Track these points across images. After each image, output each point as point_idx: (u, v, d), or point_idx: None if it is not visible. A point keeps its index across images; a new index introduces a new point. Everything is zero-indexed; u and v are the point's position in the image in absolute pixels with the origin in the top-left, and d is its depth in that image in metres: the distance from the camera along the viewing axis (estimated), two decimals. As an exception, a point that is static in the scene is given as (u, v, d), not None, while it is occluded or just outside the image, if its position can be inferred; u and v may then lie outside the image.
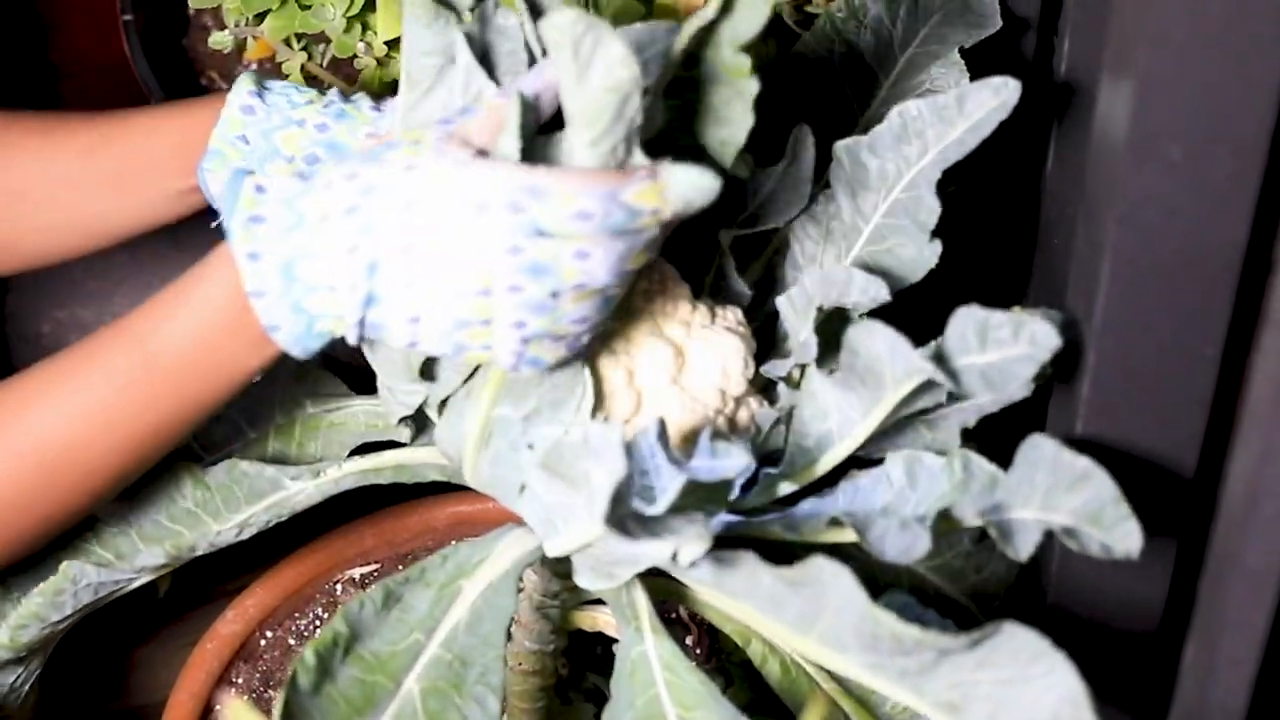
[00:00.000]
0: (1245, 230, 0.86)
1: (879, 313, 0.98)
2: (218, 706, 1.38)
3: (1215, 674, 0.92)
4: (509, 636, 1.02)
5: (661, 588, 1.04)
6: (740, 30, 0.94)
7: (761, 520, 0.98)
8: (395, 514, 1.45)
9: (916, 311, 1.01)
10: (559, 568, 1.10)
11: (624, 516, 0.86)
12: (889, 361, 0.93)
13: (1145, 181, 0.86)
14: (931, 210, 1.03)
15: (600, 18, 0.85)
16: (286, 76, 1.49)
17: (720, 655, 1.41)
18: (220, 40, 1.51)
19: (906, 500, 0.98)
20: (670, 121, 0.99)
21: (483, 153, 0.90)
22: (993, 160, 1.04)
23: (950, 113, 1.00)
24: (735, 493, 0.97)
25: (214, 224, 1.11)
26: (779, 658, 1.08)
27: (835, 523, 0.92)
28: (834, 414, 0.99)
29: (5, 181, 1.12)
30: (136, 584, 1.14)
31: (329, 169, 0.93)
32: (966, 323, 0.92)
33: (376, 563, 1.45)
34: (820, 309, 1.01)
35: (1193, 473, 0.97)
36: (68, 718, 1.46)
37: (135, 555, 1.11)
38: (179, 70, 1.53)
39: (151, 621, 1.51)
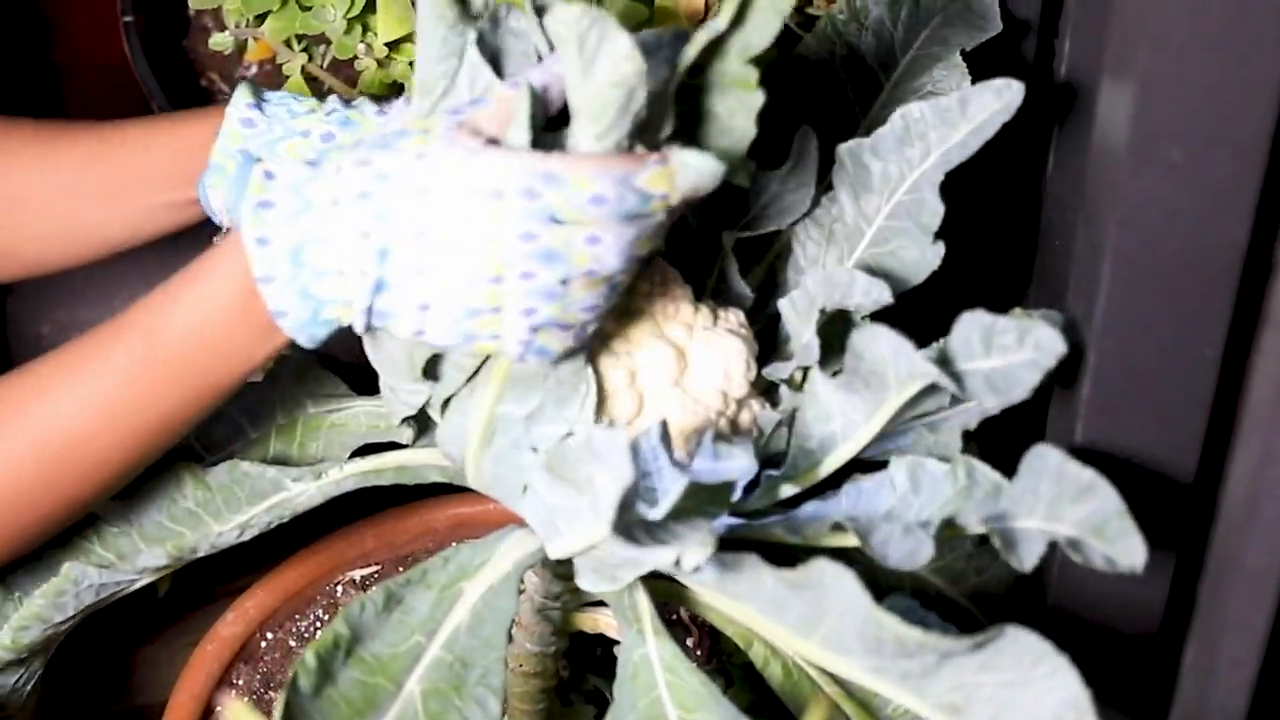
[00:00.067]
0: (1246, 232, 0.86)
1: (881, 315, 0.98)
2: (218, 708, 1.38)
3: (1215, 676, 0.92)
4: (510, 638, 1.02)
5: (663, 590, 1.04)
6: (751, 42, 0.94)
7: (763, 523, 0.98)
8: (396, 515, 1.45)
9: (917, 313, 1.01)
10: (560, 569, 1.10)
11: (630, 523, 0.86)
12: (893, 364, 0.93)
13: (1146, 183, 0.86)
14: (934, 212, 1.03)
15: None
16: (287, 78, 1.49)
17: (721, 657, 1.41)
18: (221, 41, 1.51)
19: (910, 506, 0.98)
20: (675, 128, 0.99)
21: (493, 141, 0.90)
22: (993, 162, 1.04)
23: (953, 115, 1.00)
24: (737, 495, 0.97)
25: (215, 238, 1.10)
26: (781, 660, 1.08)
27: (838, 527, 0.92)
28: (837, 416, 0.99)
29: (5, 189, 1.12)
30: (138, 585, 1.14)
31: (339, 155, 0.93)
32: (971, 328, 0.92)
33: (377, 564, 1.45)
34: (823, 311, 1.01)
35: (1193, 474, 0.97)
36: (69, 718, 1.46)
37: (137, 556, 1.11)
38: (179, 71, 1.53)
39: (153, 622, 1.51)
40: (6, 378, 0.98)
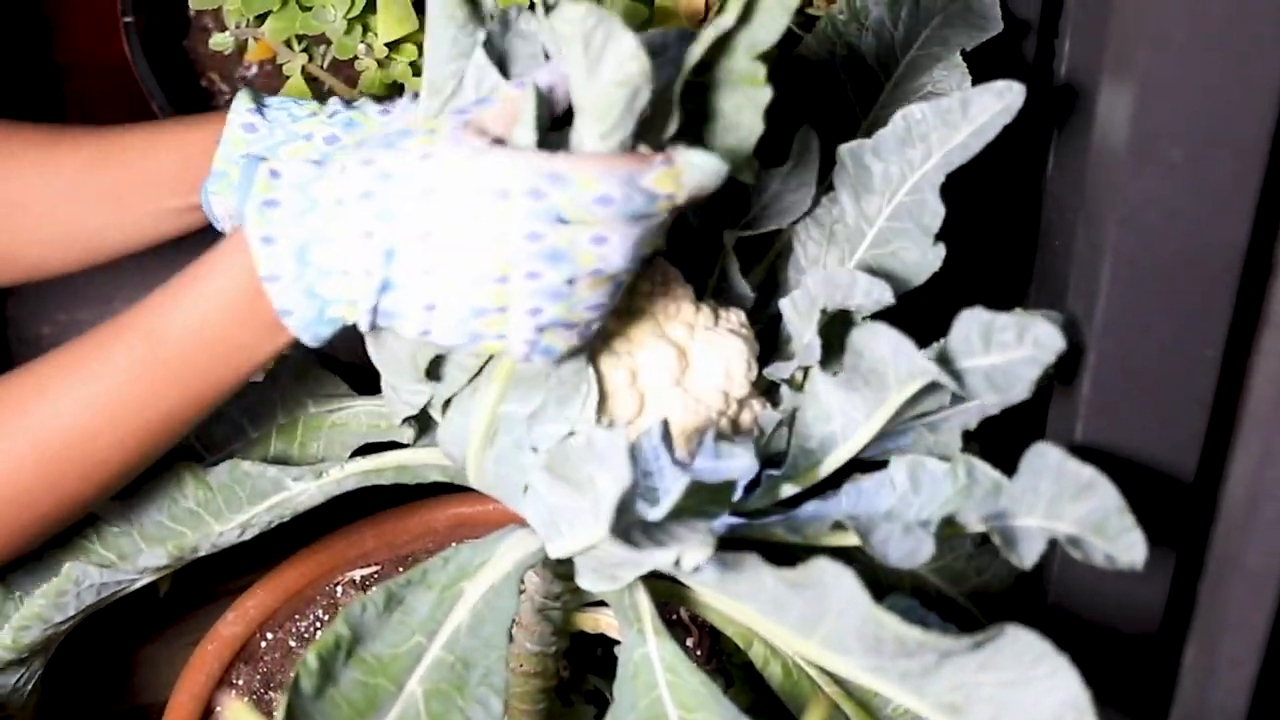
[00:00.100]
0: (1246, 232, 0.86)
1: (881, 315, 0.98)
2: (218, 708, 1.38)
3: (1215, 676, 0.92)
4: (510, 638, 1.02)
5: (664, 590, 1.04)
6: (758, 39, 0.94)
7: (764, 522, 0.98)
8: (396, 515, 1.45)
9: (918, 314, 1.01)
10: (561, 569, 1.10)
11: (629, 525, 0.86)
12: (893, 363, 0.93)
13: (1146, 183, 0.86)
14: (935, 213, 1.03)
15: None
16: (287, 78, 1.49)
17: (721, 657, 1.41)
18: (221, 42, 1.51)
19: (910, 505, 0.98)
20: (680, 126, 0.99)
21: (499, 141, 0.90)
22: (993, 162, 1.04)
23: (954, 116, 1.00)
24: (738, 495, 0.97)
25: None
26: (781, 660, 1.08)
27: (838, 526, 0.92)
28: (837, 416, 0.99)
29: (4, 193, 1.11)
30: (139, 584, 1.14)
31: (344, 154, 0.93)
32: (971, 325, 0.92)
33: (377, 564, 1.45)
34: (824, 311, 1.01)
35: (1193, 474, 0.97)
36: (70, 717, 1.46)
37: (137, 556, 1.11)
38: (179, 72, 1.53)
39: (153, 621, 1.51)
40: (6, 378, 0.98)
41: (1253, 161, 0.83)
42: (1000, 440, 1.04)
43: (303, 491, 1.12)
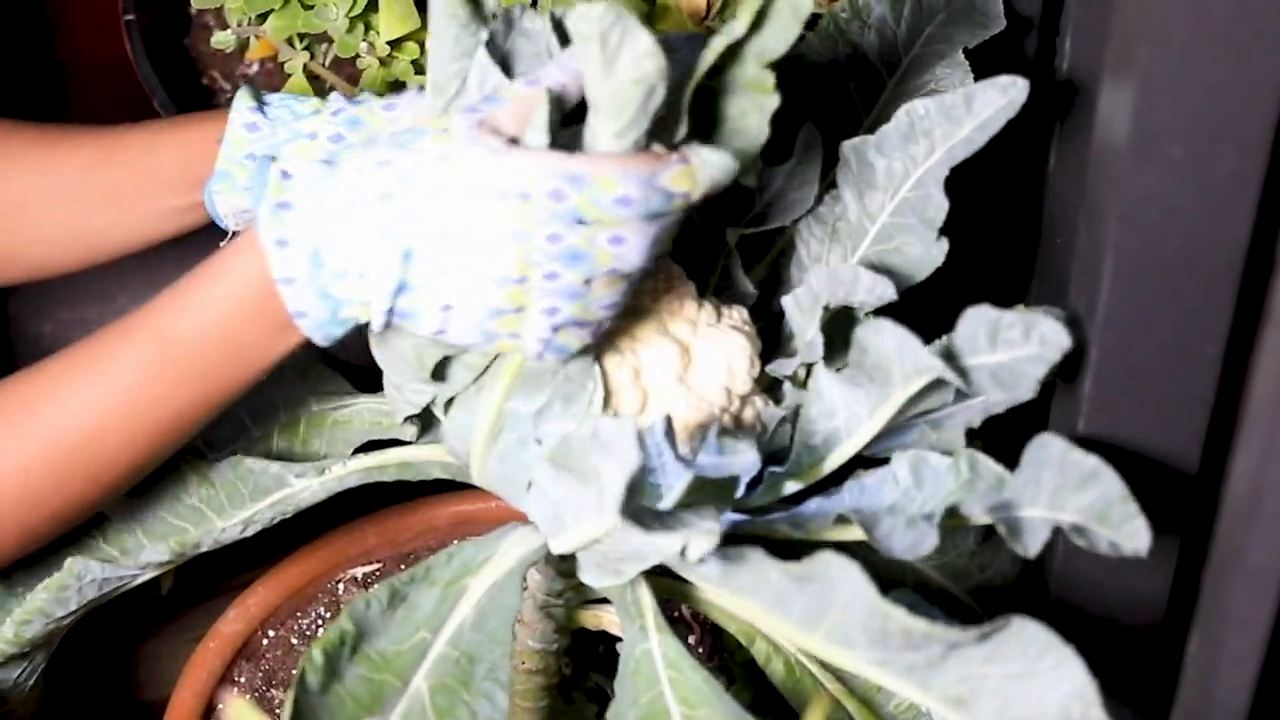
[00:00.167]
0: (1247, 228, 0.86)
1: (884, 311, 0.98)
2: (220, 705, 1.38)
3: (1218, 671, 0.92)
4: (512, 635, 1.02)
5: (666, 587, 1.04)
6: (769, 47, 0.94)
7: (767, 519, 0.98)
8: (397, 513, 1.45)
9: (919, 309, 1.01)
10: (563, 566, 1.10)
11: (638, 508, 0.86)
12: (898, 359, 0.93)
13: (1147, 180, 0.86)
14: (939, 208, 1.03)
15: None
16: (289, 76, 1.49)
17: (723, 654, 1.41)
18: (222, 40, 1.51)
19: (913, 500, 0.98)
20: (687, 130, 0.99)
21: (513, 141, 0.90)
22: (995, 159, 1.04)
23: (958, 112, 1.00)
24: (741, 491, 0.97)
25: (222, 243, 1.10)
26: (783, 657, 1.08)
27: (842, 520, 0.92)
28: (841, 412, 0.99)
29: (5, 193, 1.11)
30: (141, 580, 1.14)
31: (357, 155, 0.92)
32: (977, 322, 0.93)
33: (379, 562, 1.46)
34: (826, 308, 1.01)
35: (1195, 470, 0.97)
36: (72, 713, 1.46)
37: (140, 551, 1.11)
38: (181, 70, 1.53)
39: (155, 617, 1.51)
40: (14, 378, 0.98)
41: (1254, 158, 0.83)
42: (1002, 438, 1.04)
43: (305, 488, 1.13)
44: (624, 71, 0.87)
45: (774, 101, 0.96)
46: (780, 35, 0.94)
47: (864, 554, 0.90)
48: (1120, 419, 0.97)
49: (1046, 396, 1.07)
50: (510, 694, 0.99)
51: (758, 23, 0.93)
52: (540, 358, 0.94)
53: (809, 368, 1.04)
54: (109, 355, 0.96)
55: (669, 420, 0.90)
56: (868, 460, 1.02)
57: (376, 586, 0.98)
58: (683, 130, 0.94)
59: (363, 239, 0.91)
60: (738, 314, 1.06)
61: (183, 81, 1.52)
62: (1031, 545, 0.90)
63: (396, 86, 1.48)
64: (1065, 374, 0.99)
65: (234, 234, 1.11)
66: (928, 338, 0.94)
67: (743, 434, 1.03)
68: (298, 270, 0.92)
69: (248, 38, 1.51)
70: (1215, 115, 0.82)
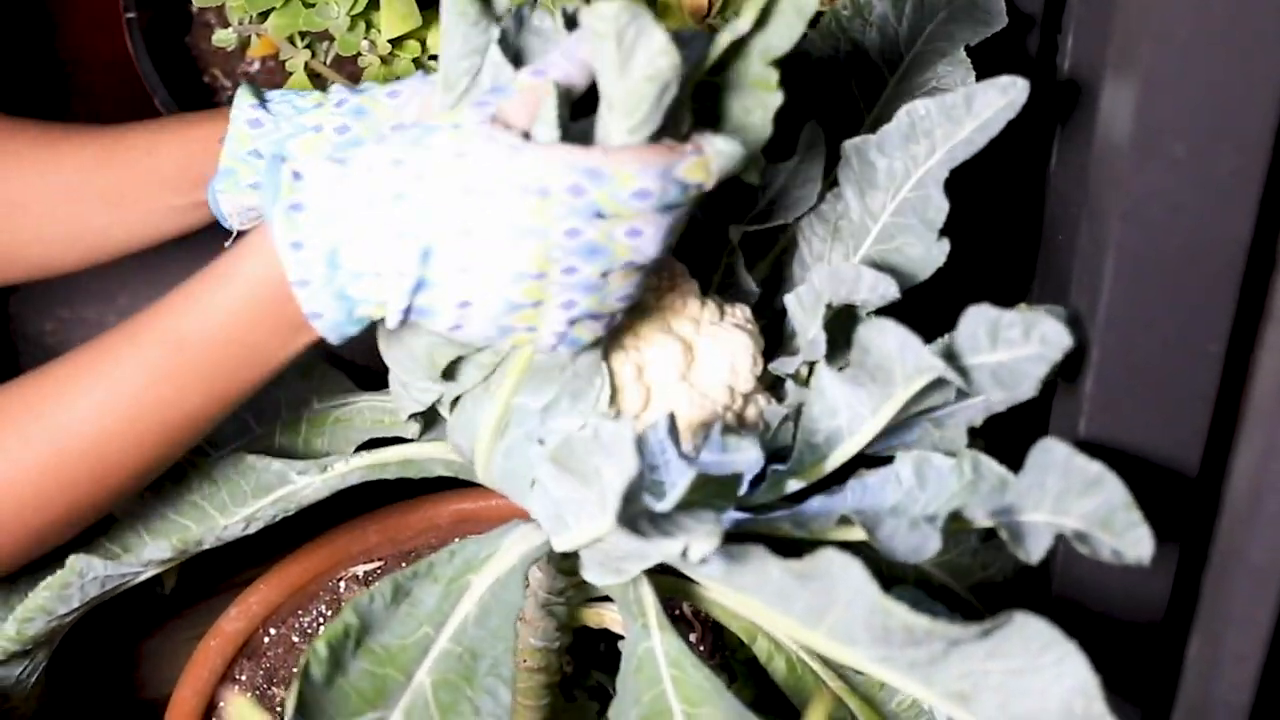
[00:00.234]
0: (1249, 226, 0.86)
1: (885, 310, 0.98)
2: (221, 704, 1.38)
3: (1219, 669, 0.92)
4: (515, 632, 1.02)
5: (668, 584, 1.05)
6: (773, 44, 0.94)
7: (769, 517, 0.98)
8: (398, 511, 1.45)
9: (921, 309, 1.02)
10: (565, 565, 1.10)
11: (636, 515, 0.86)
12: (899, 358, 0.94)
13: (1149, 178, 0.86)
14: (940, 209, 1.04)
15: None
16: (290, 74, 1.49)
17: (724, 652, 1.41)
18: (223, 38, 1.51)
19: (916, 500, 0.98)
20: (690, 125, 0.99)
21: (526, 135, 0.90)
22: (997, 157, 1.05)
23: (958, 112, 1.00)
24: (743, 489, 0.97)
25: (227, 244, 1.10)
26: (784, 655, 1.08)
27: (844, 521, 0.92)
28: (843, 411, 0.99)
29: (6, 192, 1.11)
30: (143, 577, 1.14)
31: (368, 152, 0.92)
32: (978, 321, 0.93)
33: (380, 560, 1.46)
34: (829, 306, 1.01)
35: (1197, 469, 0.97)
36: (74, 710, 1.46)
37: (142, 549, 1.11)
38: (182, 68, 1.53)
39: (157, 615, 1.51)
40: (20, 381, 0.98)
41: (1255, 156, 0.83)
42: (1004, 437, 1.04)
43: (307, 485, 1.13)
44: (639, 69, 0.87)
45: (777, 99, 0.96)
46: (784, 33, 0.94)
47: (866, 551, 0.90)
48: (1122, 417, 0.97)
49: (1048, 395, 1.07)
50: (512, 691, 0.99)
51: (762, 20, 0.94)
52: (554, 350, 0.95)
53: (811, 366, 1.04)
54: (116, 358, 0.96)
55: (672, 418, 0.90)
56: (870, 459, 1.02)
57: (380, 581, 0.98)
58: (686, 125, 0.94)
59: (379, 239, 0.91)
60: (740, 312, 1.06)
61: (184, 80, 1.52)
62: (1034, 551, 0.90)
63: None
64: (1067, 373, 0.99)
65: (239, 233, 1.11)
66: (929, 337, 0.94)
67: (745, 432, 1.03)
68: (314, 272, 0.92)
69: (249, 36, 1.51)
70: (1217, 113, 0.82)
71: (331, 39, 1.49)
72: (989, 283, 1.15)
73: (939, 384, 0.95)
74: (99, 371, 0.96)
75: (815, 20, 1.09)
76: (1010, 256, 1.31)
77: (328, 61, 1.50)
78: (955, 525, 0.91)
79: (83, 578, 1.10)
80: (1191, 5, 0.79)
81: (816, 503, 1.00)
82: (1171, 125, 0.83)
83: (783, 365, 1.05)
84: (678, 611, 1.42)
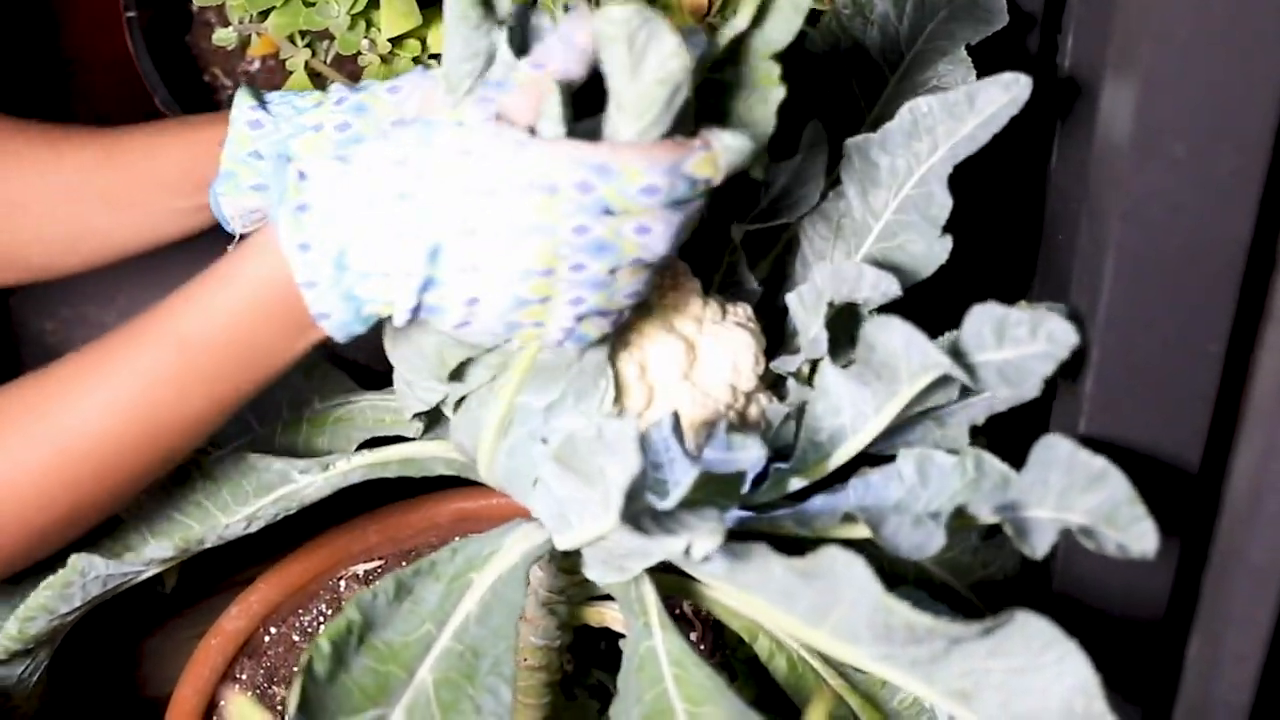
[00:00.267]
0: (1249, 226, 0.86)
1: (887, 308, 0.98)
2: (222, 702, 1.38)
3: (1220, 669, 0.92)
4: (516, 631, 1.02)
5: (670, 583, 1.05)
6: (771, 40, 0.95)
7: (772, 515, 0.98)
8: (399, 510, 1.45)
9: (921, 307, 1.02)
10: (566, 563, 1.10)
11: (639, 512, 0.86)
12: (905, 356, 0.94)
13: (1149, 178, 0.86)
14: (943, 206, 1.04)
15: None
16: (290, 73, 1.49)
17: (724, 650, 1.41)
18: (224, 37, 1.51)
19: (918, 498, 0.98)
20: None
21: (531, 130, 0.90)
22: (997, 156, 1.05)
23: (961, 109, 1.00)
24: (746, 487, 0.97)
25: (230, 246, 1.10)
26: (785, 653, 1.08)
27: (848, 518, 0.92)
28: (847, 409, 0.99)
29: (6, 193, 1.11)
30: (144, 576, 1.14)
31: (372, 151, 0.92)
32: (983, 319, 0.93)
33: (380, 559, 1.46)
34: (831, 304, 1.01)
35: (1197, 468, 0.97)
36: (76, 709, 1.46)
37: (144, 548, 1.11)
38: (182, 67, 1.53)
39: (159, 613, 1.51)
40: (22, 381, 0.97)
41: (1255, 156, 0.84)
42: (1005, 436, 1.04)
43: (309, 484, 1.13)
44: (650, 72, 0.87)
45: (780, 93, 0.97)
46: (783, 27, 0.94)
47: (867, 549, 0.90)
48: (1122, 417, 0.97)
49: (1048, 395, 1.07)
50: (513, 690, 0.99)
51: (760, 16, 0.94)
52: (561, 345, 0.95)
53: (813, 364, 1.04)
54: (120, 359, 0.95)
55: (676, 416, 0.90)
56: (872, 458, 1.02)
57: (384, 578, 0.98)
58: (693, 120, 0.94)
59: (386, 238, 0.91)
60: (742, 310, 1.06)
61: (184, 78, 1.52)
62: (1039, 546, 0.90)
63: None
64: (1067, 372, 0.99)
65: (241, 236, 1.11)
66: (931, 335, 0.94)
67: (748, 430, 1.03)
68: (321, 273, 0.92)
69: (249, 35, 1.51)
70: (1217, 113, 0.82)
71: (332, 38, 1.49)
72: (989, 282, 1.15)
73: (943, 382, 0.95)
74: (102, 372, 0.95)
75: (816, 19, 1.09)
76: (1010, 255, 1.31)
77: (328, 60, 1.50)
78: (959, 522, 0.91)
79: (85, 577, 1.10)
80: (1192, 5, 0.79)
81: (819, 501, 1.00)
82: (1171, 125, 0.83)
83: (784, 364, 1.06)
84: (678, 610, 1.42)
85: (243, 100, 1.09)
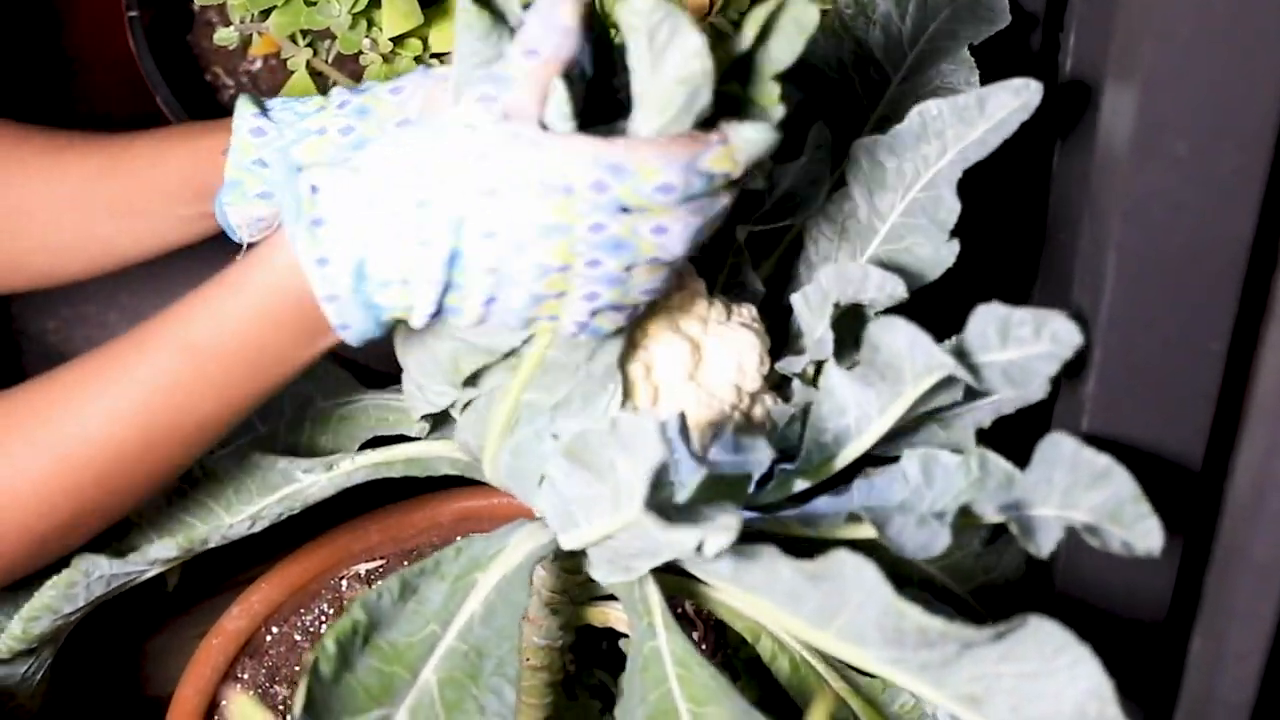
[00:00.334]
0: (1251, 225, 0.86)
1: (893, 310, 0.98)
2: (223, 702, 1.38)
3: (1222, 666, 0.92)
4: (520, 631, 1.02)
5: (674, 584, 1.04)
6: (775, 59, 0.94)
7: (777, 516, 0.98)
8: (401, 510, 1.45)
9: (923, 308, 1.02)
10: (569, 563, 1.10)
11: (663, 502, 0.86)
12: (910, 357, 0.94)
13: (1150, 177, 0.86)
14: (951, 210, 1.04)
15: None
16: (292, 73, 1.49)
17: (726, 650, 1.41)
18: (225, 36, 1.51)
19: (923, 497, 0.98)
20: None
21: (544, 127, 0.89)
22: (999, 157, 1.05)
23: (971, 113, 1.00)
24: (750, 488, 0.97)
25: (239, 255, 1.09)
26: (788, 654, 1.08)
27: (853, 518, 0.92)
28: (852, 410, 0.99)
29: (11, 199, 1.10)
30: (148, 576, 1.14)
31: (382, 158, 0.92)
32: (987, 320, 0.93)
33: (382, 559, 1.46)
34: (836, 305, 1.01)
35: (1199, 467, 0.97)
36: (78, 708, 1.46)
37: (148, 548, 1.11)
38: (184, 66, 1.53)
39: (162, 613, 1.51)
40: (27, 386, 0.97)
41: (1257, 155, 0.84)
42: (1006, 436, 1.04)
43: (313, 483, 1.13)
44: (670, 69, 0.86)
45: (780, 111, 0.96)
46: (786, 47, 0.93)
47: (871, 552, 0.90)
48: (1124, 416, 0.97)
49: (1051, 394, 1.07)
50: (517, 690, 0.99)
51: (763, 36, 0.93)
52: (575, 337, 0.95)
53: (818, 365, 1.04)
54: (125, 365, 0.95)
55: (683, 417, 0.90)
56: (877, 459, 1.02)
57: (389, 578, 0.98)
58: (711, 112, 0.93)
59: (405, 247, 0.90)
60: (747, 311, 1.06)
61: (185, 78, 1.52)
62: (1044, 545, 0.90)
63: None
64: (1070, 371, 0.99)
65: (248, 245, 1.10)
66: (933, 335, 0.94)
67: (753, 431, 1.03)
68: (340, 286, 0.92)
69: (250, 34, 1.51)
70: (1219, 112, 0.82)
71: (333, 37, 1.49)
72: (990, 282, 1.15)
73: (948, 383, 0.95)
74: (107, 378, 0.95)
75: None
76: (1012, 256, 1.31)
77: (329, 60, 1.50)
78: (964, 521, 0.91)
79: (88, 576, 1.10)
80: (1193, 4, 0.79)
81: (824, 501, 1.00)
82: (1173, 124, 0.83)
83: (790, 364, 1.05)
84: (680, 610, 1.42)
85: (244, 108, 1.08)
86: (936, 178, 1.03)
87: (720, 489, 0.89)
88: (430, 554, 1.02)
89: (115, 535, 1.11)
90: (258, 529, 1.14)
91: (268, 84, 1.51)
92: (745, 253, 1.11)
